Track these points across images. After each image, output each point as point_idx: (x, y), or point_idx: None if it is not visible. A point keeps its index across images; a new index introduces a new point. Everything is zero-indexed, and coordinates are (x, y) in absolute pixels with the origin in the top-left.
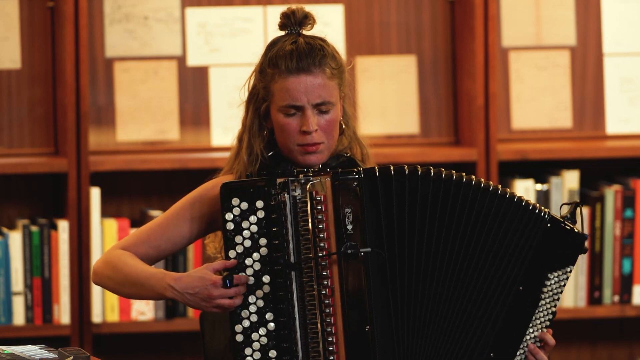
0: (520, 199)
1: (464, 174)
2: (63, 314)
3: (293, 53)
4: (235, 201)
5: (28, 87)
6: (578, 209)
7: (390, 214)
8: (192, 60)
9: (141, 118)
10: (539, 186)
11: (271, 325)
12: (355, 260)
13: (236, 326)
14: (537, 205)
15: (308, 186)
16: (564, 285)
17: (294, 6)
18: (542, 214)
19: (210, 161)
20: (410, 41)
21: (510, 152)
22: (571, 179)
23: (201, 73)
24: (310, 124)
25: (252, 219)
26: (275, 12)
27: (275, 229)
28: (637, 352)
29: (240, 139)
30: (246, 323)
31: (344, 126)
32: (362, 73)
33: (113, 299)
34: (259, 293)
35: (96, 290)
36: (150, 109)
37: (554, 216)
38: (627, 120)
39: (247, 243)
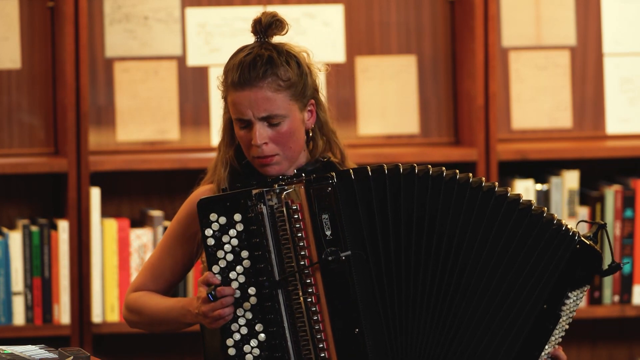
0: (543, 212)
1: (457, 171)
2: (63, 314)
3: (238, 67)
4: (213, 216)
5: (28, 87)
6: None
7: (371, 215)
8: (192, 60)
9: (141, 118)
10: (539, 186)
11: (262, 336)
12: (338, 265)
13: (227, 340)
14: (564, 222)
15: (283, 195)
16: (580, 303)
17: (267, 11)
18: (571, 234)
19: (210, 161)
20: (410, 41)
21: (510, 152)
22: (571, 179)
23: (201, 73)
24: (257, 137)
25: (232, 232)
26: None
27: (255, 241)
28: (637, 352)
29: (219, 147)
30: (237, 336)
31: (311, 133)
32: (362, 73)
33: (113, 299)
34: (247, 305)
35: (96, 290)
36: (150, 109)
37: (583, 239)
38: (627, 120)
39: (230, 257)
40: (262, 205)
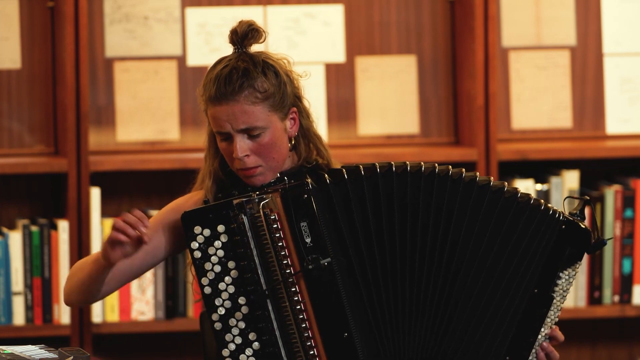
0: (528, 198)
1: (436, 164)
2: (63, 314)
3: (215, 81)
4: (197, 229)
5: (28, 87)
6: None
7: (351, 217)
8: (192, 60)
9: (141, 118)
10: (539, 186)
11: (256, 344)
12: (320, 272)
13: (223, 350)
14: (550, 205)
15: (261, 205)
16: (572, 281)
17: (243, 20)
18: (557, 215)
19: None
20: (410, 41)
21: (510, 152)
22: (571, 179)
23: (201, 73)
24: (238, 150)
25: (217, 244)
26: (275, 12)
27: (240, 251)
28: (637, 352)
29: (205, 158)
30: (232, 346)
31: (293, 141)
32: (362, 73)
33: (113, 299)
34: (239, 315)
35: None
36: (150, 109)
37: (568, 217)
38: (627, 120)
39: (217, 268)
40: (243, 216)
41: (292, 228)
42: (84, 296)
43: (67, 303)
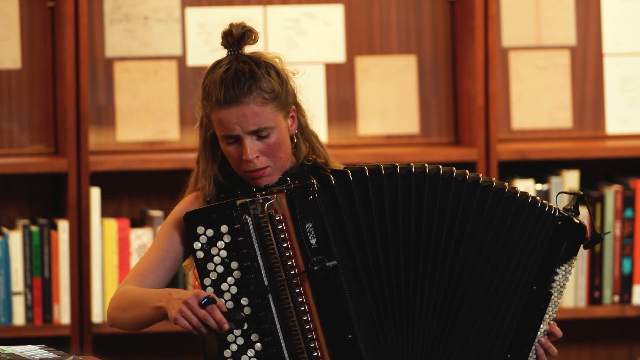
0: (526, 197)
1: (440, 166)
2: (63, 314)
3: (221, 84)
4: (200, 229)
5: (28, 87)
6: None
7: (356, 219)
8: (192, 60)
9: (141, 118)
10: (539, 186)
11: (258, 345)
12: (325, 274)
13: (225, 351)
14: (546, 202)
15: (266, 206)
16: (569, 277)
17: (235, 23)
18: (553, 212)
19: None
20: (410, 41)
21: (510, 152)
22: (571, 179)
23: (201, 73)
24: (249, 152)
25: (220, 244)
26: (275, 12)
27: (244, 252)
28: (637, 352)
29: (197, 161)
30: (234, 347)
31: (295, 139)
32: (362, 73)
33: None
34: (241, 316)
35: (96, 290)
36: (150, 109)
37: (563, 213)
38: (627, 120)
39: (220, 269)
40: (246, 216)
41: (297, 229)
42: (135, 329)
43: (111, 325)
